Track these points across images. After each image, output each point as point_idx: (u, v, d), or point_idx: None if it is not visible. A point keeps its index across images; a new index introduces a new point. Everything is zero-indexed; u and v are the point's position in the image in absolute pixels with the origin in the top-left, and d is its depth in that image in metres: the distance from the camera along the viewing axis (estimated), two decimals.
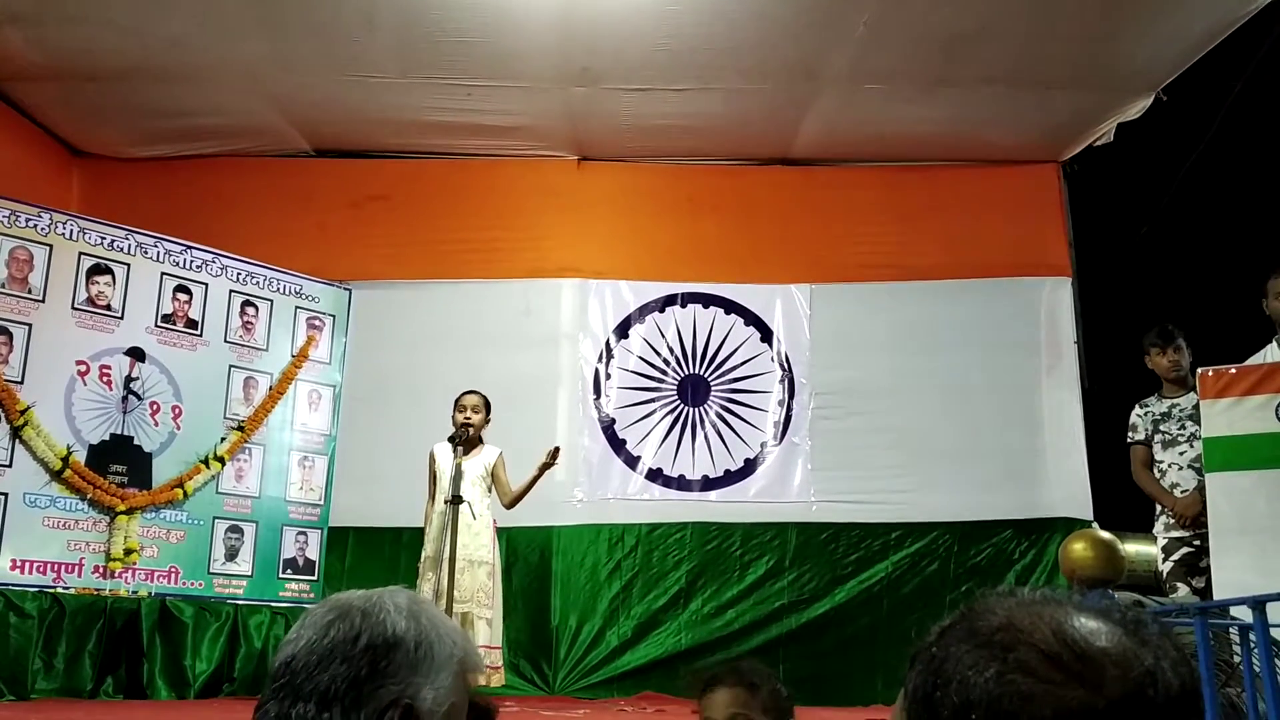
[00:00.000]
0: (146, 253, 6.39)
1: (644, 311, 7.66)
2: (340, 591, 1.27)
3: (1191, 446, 5.15)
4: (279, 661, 1.17)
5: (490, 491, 5.64)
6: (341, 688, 1.12)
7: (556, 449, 5.53)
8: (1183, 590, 5.01)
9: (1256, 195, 7.74)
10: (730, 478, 7.39)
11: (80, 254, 6.13)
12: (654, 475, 7.38)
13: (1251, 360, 4.96)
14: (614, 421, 7.46)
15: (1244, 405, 4.55)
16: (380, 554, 7.09)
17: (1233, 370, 4.70)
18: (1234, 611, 3.31)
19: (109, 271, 6.23)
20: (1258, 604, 2.14)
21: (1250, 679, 2.28)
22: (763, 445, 7.43)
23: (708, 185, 7.85)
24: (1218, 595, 4.40)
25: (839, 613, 7.04)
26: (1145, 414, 5.42)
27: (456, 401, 5.64)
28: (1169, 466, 5.27)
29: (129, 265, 6.31)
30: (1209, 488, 4.64)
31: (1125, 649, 0.78)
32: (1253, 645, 2.21)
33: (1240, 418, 4.55)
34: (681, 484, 7.37)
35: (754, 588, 7.11)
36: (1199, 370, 4.81)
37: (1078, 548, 3.87)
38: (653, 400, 7.52)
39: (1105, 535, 4.01)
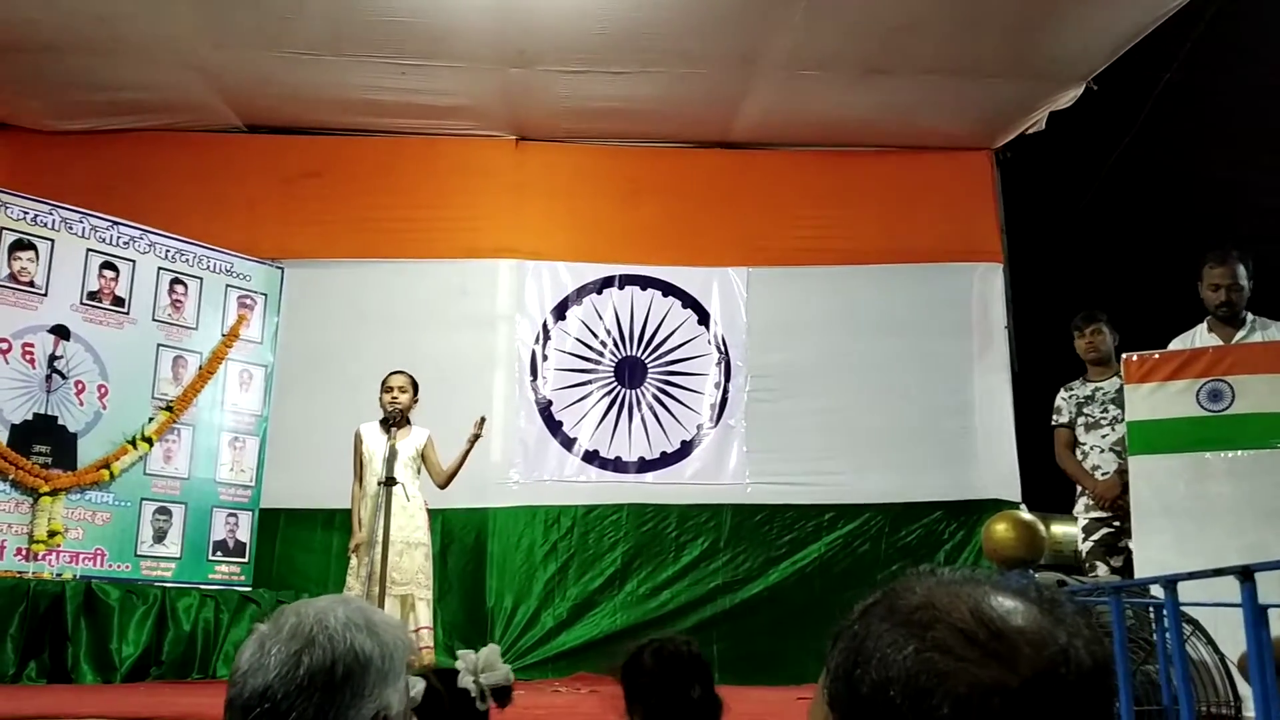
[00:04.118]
0: (72, 228, 6.24)
1: (581, 293, 7.65)
2: (285, 604, 1.33)
3: (1113, 430, 5.27)
4: (250, 691, 1.21)
5: (420, 473, 5.63)
6: (329, 715, 1.20)
7: (483, 419, 5.57)
8: (1101, 570, 5.13)
9: (1184, 183, 7.91)
10: (666, 460, 7.41)
11: (2, 229, 5.97)
12: (590, 457, 7.38)
13: (1177, 340, 5.08)
14: (550, 403, 7.45)
15: (1166, 390, 4.66)
16: (312, 536, 7.03)
17: (1156, 355, 4.81)
18: (1154, 590, 3.40)
19: (32, 247, 6.08)
20: (1169, 583, 2.20)
21: (1164, 656, 2.35)
22: (699, 427, 7.47)
23: (646, 167, 7.84)
24: (1139, 574, 4.52)
25: (773, 593, 7.11)
26: (1069, 397, 5.54)
27: (383, 383, 5.61)
28: (1091, 449, 5.38)
29: (53, 241, 6.16)
30: (1131, 471, 4.75)
31: (1040, 628, 0.80)
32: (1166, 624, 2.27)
33: (1162, 402, 4.66)
34: (618, 466, 7.38)
35: (689, 569, 7.16)
36: (1123, 355, 4.92)
37: (1000, 529, 3.94)
38: (589, 382, 7.52)
39: (1027, 516, 4.09)
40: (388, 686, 1.25)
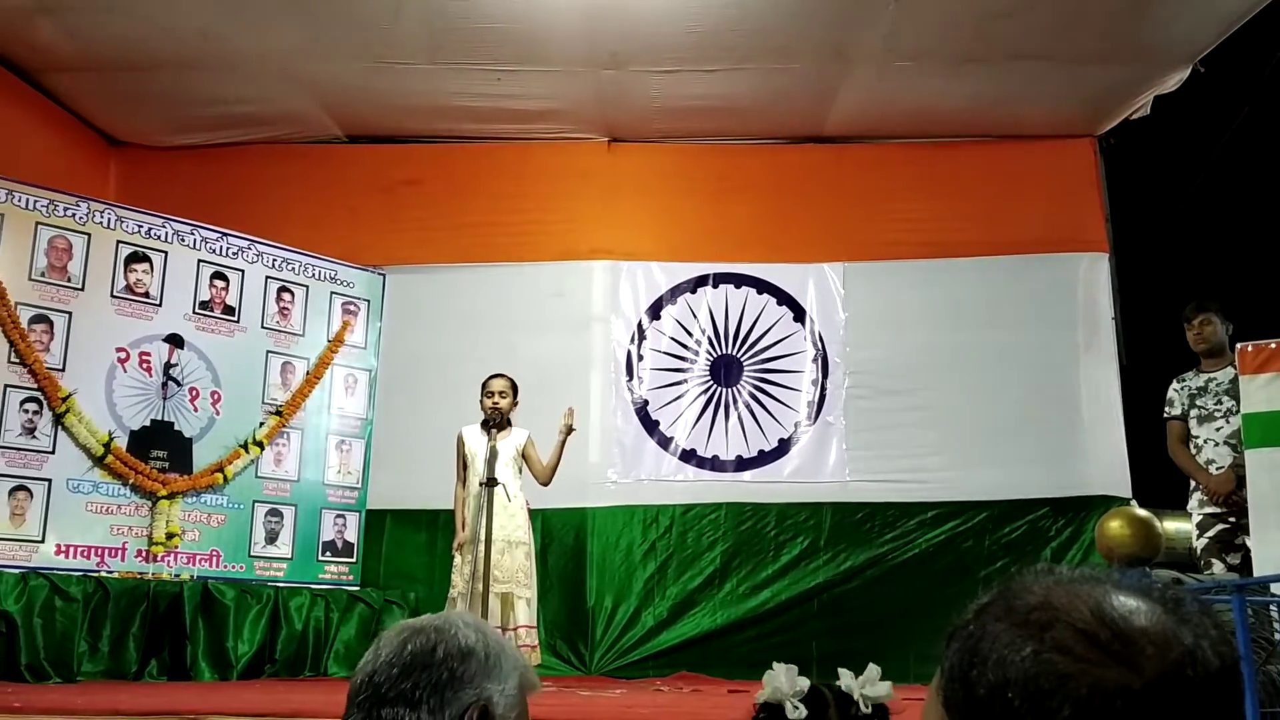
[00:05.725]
0: (183, 240, 6.46)
1: (676, 292, 7.65)
2: (392, 602, 1.45)
3: (1228, 422, 5.08)
4: (360, 678, 1.30)
5: (522, 472, 5.68)
6: (425, 692, 1.27)
7: (570, 409, 5.58)
8: (1218, 567, 4.96)
9: None
10: (764, 458, 7.37)
11: (118, 242, 6.20)
12: (688, 456, 7.38)
13: None
14: (647, 403, 7.47)
15: None
16: (417, 536, 7.16)
17: (1272, 345, 4.64)
18: (1274, 588, 3.28)
19: (147, 259, 6.31)
20: None
21: None
22: (796, 425, 7.41)
23: (739, 165, 7.81)
24: (1259, 572, 4.36)
25: (874, 591, 7.01)
26: (1182, 388, 5.35)
27: (484, 386, 5.66)
28: (1205, 442, 5.20)
29: (166, 253, 6.38)
30: (1249, 464, 4.59)
31: (1164, 628, 0.77)
32: None
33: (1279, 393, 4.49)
34: (715, 465, 7.36)
35: (789, 567, 7.11)
36: (1238, 345, 4.75)
37: (1114, 525, 3.84)
38: (685, 381, 7.52)
39: (1142, 513, 3.98)
40: (490, 680, 1.30)
